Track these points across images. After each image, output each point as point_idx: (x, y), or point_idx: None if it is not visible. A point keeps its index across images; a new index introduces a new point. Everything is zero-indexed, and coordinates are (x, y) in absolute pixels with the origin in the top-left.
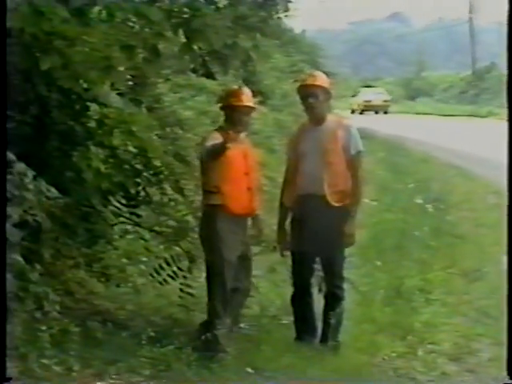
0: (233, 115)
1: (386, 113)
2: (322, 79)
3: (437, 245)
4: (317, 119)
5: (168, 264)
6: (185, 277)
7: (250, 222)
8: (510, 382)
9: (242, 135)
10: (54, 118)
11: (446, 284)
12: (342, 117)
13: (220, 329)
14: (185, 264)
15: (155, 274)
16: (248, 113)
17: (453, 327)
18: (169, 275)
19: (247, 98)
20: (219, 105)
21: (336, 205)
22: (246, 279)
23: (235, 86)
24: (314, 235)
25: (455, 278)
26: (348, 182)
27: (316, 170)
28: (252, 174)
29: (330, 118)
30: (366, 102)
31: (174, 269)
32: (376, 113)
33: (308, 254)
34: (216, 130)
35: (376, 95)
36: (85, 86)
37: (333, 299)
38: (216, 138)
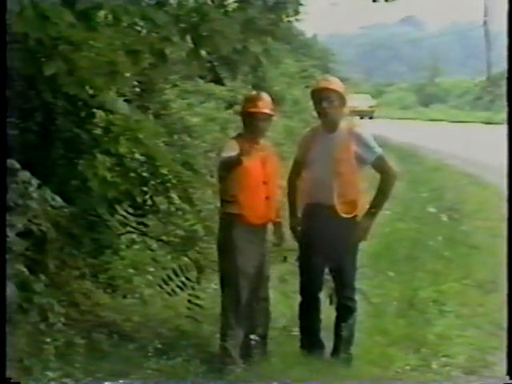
0: (250, 122)
1: (371, 118)
2: (336, 83)
3: (451, 255)
4: (330, 125)
5: (176, 274)
6: (193, 288)
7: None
8: (510, 382)
9: (263, 142)
10: (59, 125)
11: (461, 295)
12: (353, 124)
13: (231, 340)
14: (193, 274)
15: (164, 285)
16: (265, 120)
17: (467, 340)
18: (177, 286)
19: (264, 104)
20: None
21: (345, 216)
22: (265, 289)
23: (254, 92)
24: (324, 246)
25: (470, 290)
26: (358, 192)
27: (325, 179)
28: (271, 183)
29: (343, 125)
30: (351, 107)
31: (183, 279)
32: (361, 118)
33: (317, 265)
34: (234, 137)
35: (361, 101)
36: (91, 92)
37: (344, 311)
38: (233, 147)
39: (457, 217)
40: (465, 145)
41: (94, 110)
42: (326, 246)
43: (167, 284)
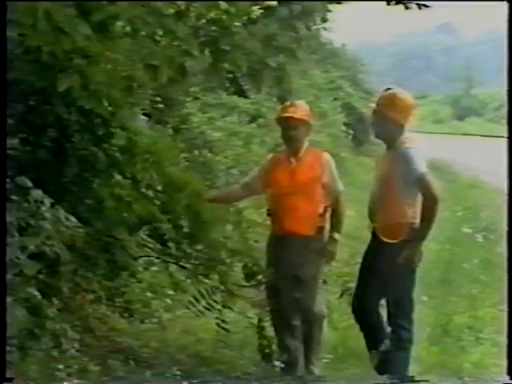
0: (282, 131)
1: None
2: (391, 98)
3: (487, 279)
4: (388, 143)
5: (203, 296)
6: (220, 311)
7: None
8: (510, 382)
9: (304, 152)
10: (73, 142)
11: (498, 322)
12: (405, 141)
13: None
14: (217, 298)
15: (191, 307)
16: (295, 127)
17: (505, 369)
18: (205, 307)
19: (291, 109)
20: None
21: (386, 240)
22: (307, 309)
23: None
24: (372, 273)
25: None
26: (403, 215)
27: (371, 201)
28: (298, 194)
29: (398, 143)
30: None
31: (210, 301)
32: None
33: (368, 290)
34: (278, 153)
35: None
36: (109, 108)
37: (395, 341)
38: (270, 161)
39: (493, 238)
40: (501, 161)
41: (112, 129)
42: (374, 273)
43: (194, 306)
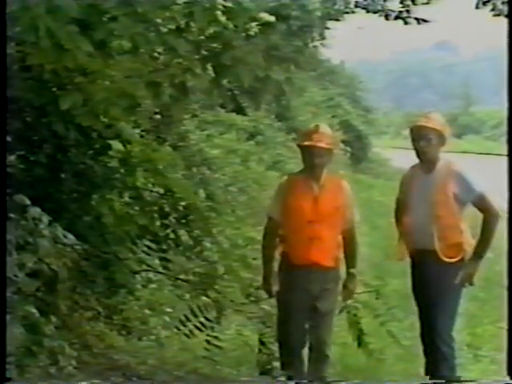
0: (305, 157)
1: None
2: (436, 121)
3: (485, 296)
4: (428, 165)
5: (195, 315)
6: (212, 328)
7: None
8: (510, 382)
9: (324, 179)
10: (70, 158)
11: (496, 339)
12: (451, 162)
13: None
14: (213, 314)
15: (181, 326)
16: (321, 155)
17: None
18: (196, 327)
19: (316, 137)
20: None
21: (447, 260)
22: (319, 338)
23: (312, 125)
24: (426, 293)
25: (506, 333)
26: (461, 234)
27: (425, 223)
28: (321, 223)
29: (441, 165)
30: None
31: (202, 320)
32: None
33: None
34: (295, 173)
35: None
36: (106, 120)
37: (436, 360)
38: (285, 187)
39: (491, 256)
40: (500, 179)
41: (110, 141)
42: (424, 291)
43: (185, 325)
